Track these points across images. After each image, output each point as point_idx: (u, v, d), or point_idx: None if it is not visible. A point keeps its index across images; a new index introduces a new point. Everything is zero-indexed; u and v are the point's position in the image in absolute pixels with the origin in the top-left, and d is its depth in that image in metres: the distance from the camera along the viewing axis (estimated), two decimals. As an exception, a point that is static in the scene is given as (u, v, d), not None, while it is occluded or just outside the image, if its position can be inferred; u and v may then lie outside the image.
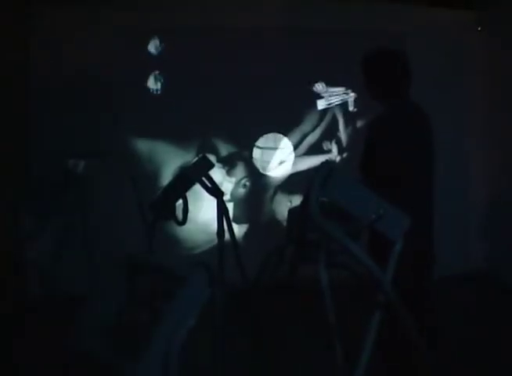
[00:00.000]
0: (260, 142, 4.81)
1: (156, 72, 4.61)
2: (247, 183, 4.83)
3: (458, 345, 3.07)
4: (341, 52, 4.60)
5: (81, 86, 4.26)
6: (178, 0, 4.56)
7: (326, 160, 1.78)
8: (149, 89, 4.61)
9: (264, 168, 4.84)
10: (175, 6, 4.48)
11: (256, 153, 4.81)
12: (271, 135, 4.82)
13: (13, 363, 3.02)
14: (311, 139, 4.91)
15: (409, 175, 2.39)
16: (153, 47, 4.59)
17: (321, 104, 4.87)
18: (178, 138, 4.67)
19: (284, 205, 4.79)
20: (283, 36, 4.66)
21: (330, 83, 4.82)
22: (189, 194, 2.87)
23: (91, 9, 4.35)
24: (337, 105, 4.89)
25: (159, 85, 4.62)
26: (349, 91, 4.89)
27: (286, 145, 4.85)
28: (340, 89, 4.87)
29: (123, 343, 1.56)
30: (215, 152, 4.72)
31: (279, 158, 4.85)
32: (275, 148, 4.83)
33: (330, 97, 4.86)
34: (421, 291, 2.42)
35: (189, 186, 2.88)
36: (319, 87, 4.81)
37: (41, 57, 4.29)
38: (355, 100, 4.87)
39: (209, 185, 2.89)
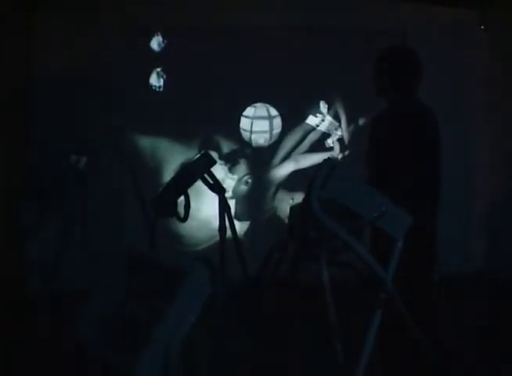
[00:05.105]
0: (248, 112, 4.78)
1: (158, 70, 4.61)
2: (249, 180, 4.83)
3: (458, 344, 3.06)
4: (342, 51, 4.61)
5: (80, 86, 4.25)
6: (178, 0, 4.56)
7: (328, 158, 1.77)
8: (150, 87, 4.61)
9: (253, 140, 4.82)
10: (176, 6, 4.47)
11: (244, 123, 4.78)
12: (259, 105, 4.79)
13: (14, 361, 3.02)
14: (313, 136, 4.90)
15: (415, 172, 2.39)
16: (155, 43, 4.58)
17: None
18: (180, 135, 4.67)
19: (286, 202, 4.78)
20: (284, 35, 4.64)
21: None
22: (191, 191, 2.87)
23: (91, 9, 4.34)
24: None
25: (161, 83, 4.62)
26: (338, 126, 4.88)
27: (275, 114, 4.81)
28: (334, 123, 4.86)
29: (124, 341, 1.56)
30: (217, 149, 4.72)
31: (268, 128, 4.83)
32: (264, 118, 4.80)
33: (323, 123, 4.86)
34: (423, 289, 2.41)
35: (191, 182, 2.87)
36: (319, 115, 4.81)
37: (41, 57, 4.29)
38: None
39: (211, 182, 2.89)
